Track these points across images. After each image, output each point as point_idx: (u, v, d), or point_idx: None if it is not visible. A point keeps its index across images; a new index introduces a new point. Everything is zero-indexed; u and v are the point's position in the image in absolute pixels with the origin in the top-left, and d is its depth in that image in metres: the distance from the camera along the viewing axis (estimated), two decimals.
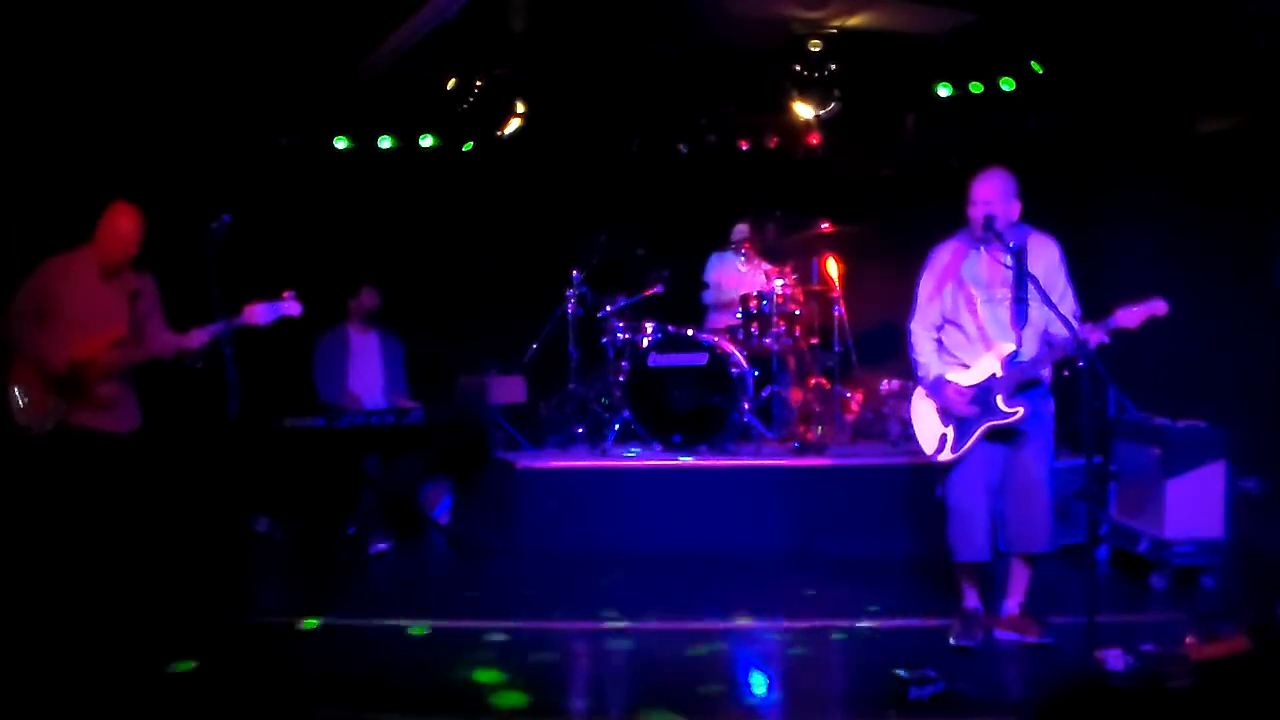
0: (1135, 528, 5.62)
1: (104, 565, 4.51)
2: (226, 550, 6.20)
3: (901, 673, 3.87)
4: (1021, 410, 4.31)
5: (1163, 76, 6.35)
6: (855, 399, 7.36)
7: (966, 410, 4.39)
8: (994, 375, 4.36)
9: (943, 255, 4.57)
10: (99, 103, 6.57)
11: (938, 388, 4.48)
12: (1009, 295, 4.37)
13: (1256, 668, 3.58)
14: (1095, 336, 4.12)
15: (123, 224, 4.70)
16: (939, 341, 4.57)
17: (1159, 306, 4.08)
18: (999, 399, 4.34)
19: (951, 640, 4.42)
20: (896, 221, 7.28)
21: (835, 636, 4.68)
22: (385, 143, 8.07)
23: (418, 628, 4.74)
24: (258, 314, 4.63)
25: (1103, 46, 6.58)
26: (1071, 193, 6.96)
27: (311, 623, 4.68)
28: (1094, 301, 4.40)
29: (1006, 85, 7.40)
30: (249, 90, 7.13)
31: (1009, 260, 4.34)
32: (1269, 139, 5.78)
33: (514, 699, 3.92)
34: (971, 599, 4.60)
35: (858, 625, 4.79)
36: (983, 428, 4.38)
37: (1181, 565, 5.36)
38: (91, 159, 6.41)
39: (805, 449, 6.65)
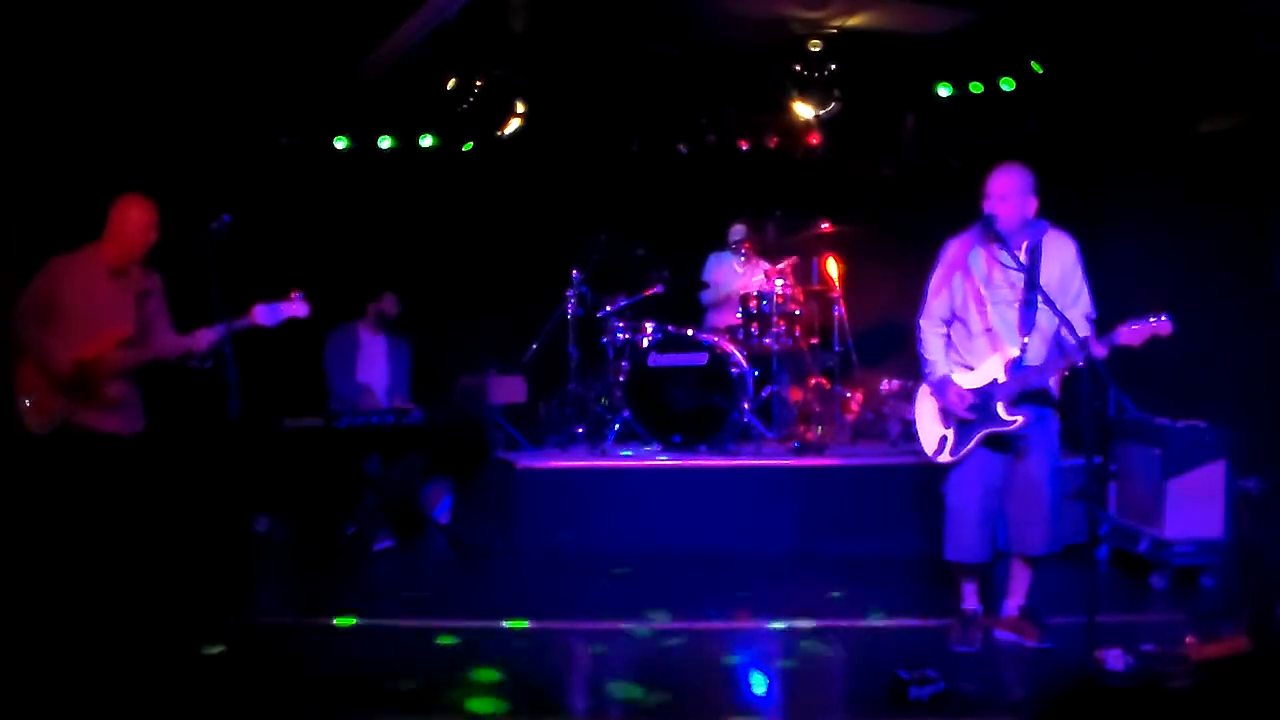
0: (1135, 528, 5.62)
1: (106, 566, 4.50)
2: (226, 550, 6.18)
3: (901, 673, 3.87)
4: (1021, 419, 4.25)
5: (1163, 76, 6.35)
6: (855, 399, 7.37)
7: (965, 414, 4.35)
8: (996, 380, 4.30)
9: (952, 249, 4.51)
10: (99, 103, 6.57)
11: (942, 388, 4.43)
12: (1017, 297, 4.30)
13: (1256, 668, 3.58)
14: (1096, 351, 4.02)
15: (135, 215, 4.64)
16: (947, 338, 4.51)
17: (1164, 327, 3.94)
18: (999, 406, 4.27)
19: (951, 646, 4.43)
20: (896, 221, 7.29)
21: (835, 637, 4.68)
22: (385, 143, 8.07)
23: (420, 628, 4.74)
24: (263, 315, 4.60)
25: (1103, 47, 6.58)
26: (1072, 193, 6.93)
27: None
28: (1094, 302, 4.39)
29: (1006, 85, 7.40)
30: (249, 90, 7.13)
31: (1006, 259, 4.30)
32: (1269, 139, 5.78)
33: (513, 699, 3.93)
34: (971, 600, 4.59)
35: (858, 625, 4.79)
36: (981, 434, 4.34)
37: (1181, 565, 5.37)
38: (92, 159, 6.39)
39: (805, 449, 6.65)
